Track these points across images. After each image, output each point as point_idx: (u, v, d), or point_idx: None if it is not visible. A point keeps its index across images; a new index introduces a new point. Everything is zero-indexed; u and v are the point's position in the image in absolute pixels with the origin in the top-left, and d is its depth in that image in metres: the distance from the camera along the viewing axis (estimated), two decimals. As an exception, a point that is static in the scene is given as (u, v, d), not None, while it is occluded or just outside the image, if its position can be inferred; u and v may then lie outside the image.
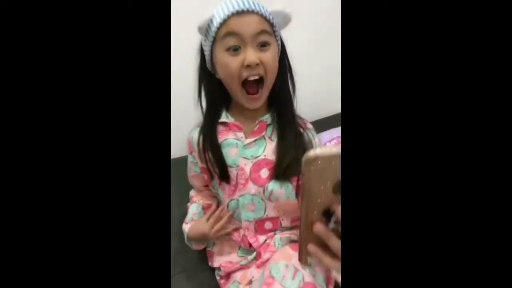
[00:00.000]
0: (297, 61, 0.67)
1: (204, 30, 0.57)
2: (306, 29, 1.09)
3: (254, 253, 0.67)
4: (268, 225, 0.68)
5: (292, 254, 0.58)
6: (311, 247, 0.33)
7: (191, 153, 0.72)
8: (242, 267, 0.68)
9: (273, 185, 0.63)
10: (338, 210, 0.31)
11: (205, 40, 0.59)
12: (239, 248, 0.70)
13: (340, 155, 0.29)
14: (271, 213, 0.67)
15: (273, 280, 0.54)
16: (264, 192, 0.64)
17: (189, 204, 0.78)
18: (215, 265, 0.73)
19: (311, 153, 0.29)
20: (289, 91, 0.65)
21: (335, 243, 0.32)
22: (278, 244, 0.66)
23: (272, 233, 0.68)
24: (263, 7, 0.56)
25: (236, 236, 0.69)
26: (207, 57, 0.60)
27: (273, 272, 0.55)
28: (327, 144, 0.94)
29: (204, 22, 0.55)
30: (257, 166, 0.64)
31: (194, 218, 0.73)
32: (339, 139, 0.98)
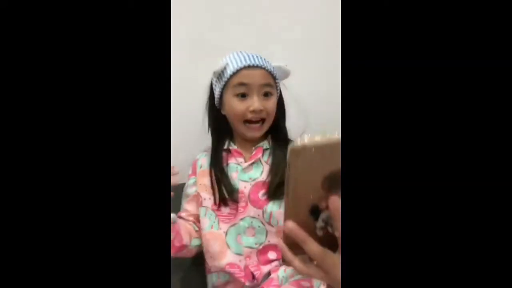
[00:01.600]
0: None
1: (218, 74, 0.69)
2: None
3: None
4: (271, 254, 0.67)
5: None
6: (282, 247, 0.29)
7: (194, 174, 0.76)
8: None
9: (271, 207, 0.66)
10: (334, 207, 0.27)
11: (216, 82, 0.71)
12: (243, 287, 0.66)
13: (332, 144, 0.25)
14: (273, 239, 0.67)
15: None
16: (263, 215, 0.66)
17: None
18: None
19: (299, 142, 0.26)
20: (284, 123, 0.76)
21: (314, 248, 0.27)
22: (282, 277, 0.62)
23: (277, 262, 0.66)
24: (268, 63, 0.69)
25: (238, 271, 0.66)
26: (217, 97, 0.71)
27: None
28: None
29: (220, 68, 0.68)
30: (255, 188, 0.69)
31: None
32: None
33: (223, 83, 0.68)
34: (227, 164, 0.72)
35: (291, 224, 0.28)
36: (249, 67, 0.66)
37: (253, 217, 0.67)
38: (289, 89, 0.78)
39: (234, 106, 0.68)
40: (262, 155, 0.72)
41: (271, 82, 0.69)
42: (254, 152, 0.72)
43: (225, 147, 0.74)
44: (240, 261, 0.67)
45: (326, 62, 0.99)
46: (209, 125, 0.75)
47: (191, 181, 0.76)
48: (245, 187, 0.69)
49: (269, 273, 0.65)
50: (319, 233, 0.28)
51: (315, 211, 0.28)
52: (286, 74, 0.72)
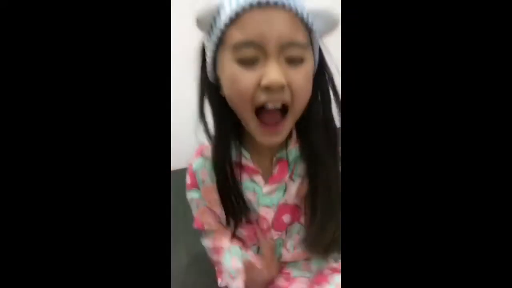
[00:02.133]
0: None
1: (207, 24, 0.38)
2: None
3: None
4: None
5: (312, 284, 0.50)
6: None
7: (196, 186, 0.53)
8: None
9: (293, 230, 0.51)
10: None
11: (207, 40, 0.40)
12: None
13: None
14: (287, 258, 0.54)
15: None
16: (286, 233, 0.51)
17: (205, 245, 0.58)
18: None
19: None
20: (332, 119, 0.44)
21: None
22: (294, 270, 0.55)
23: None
24: (298, 1, 0.36)
25: None
26: (210, 63, 0.41)
27: None
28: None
29: (207, 11, 0.37)
30: (279, 213, 0.50)
31: (239, 271, 0.51)
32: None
33: (216, 39, 0.38)
34: (240, 181, 0.49)
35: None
36: (259, 5, 0.35)
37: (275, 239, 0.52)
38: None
39: (236, 77, 0.37)
40: (287, 172, 0.48)
41: (301, 39, 0.37)
42: (276, 170, 0.48)
43: (233, 157, 0.47)
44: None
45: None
46: (202, 118, 0.46)
47: (195, 194, 0.54)
48: (267, 213, 0.49)
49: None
50: None
51: None
52: (332, 24, 0.39)
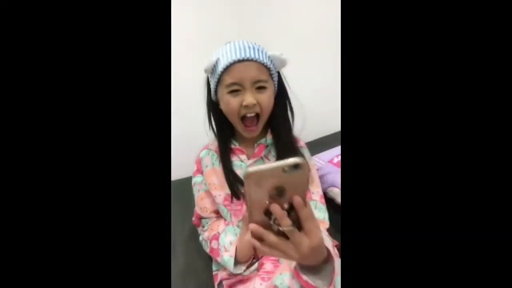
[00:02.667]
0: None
1: (210, 70, 0.67)
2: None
3: (256, 264, 0.67)
4: None
5: None
6: (252, 241, 0.40)
7: (201, 172, 0.78)
8: (244, 279, 0.67)
9: None
10: (275, 211, 0.37)
11: (210, 78, 0.69)
12: None
13: (269, 170, 0.36)
14: None
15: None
16: None
17: (203, 240, 0.77)
18: (217, 280, 0.72)
19: (249, 169, 0.36)
20: (288, 119, 0.73)
21: (271, 238, 0.39)
22: None
23: None
24: (262, 53, 0.64)
25: None
26: (213, 92, 0.70)
27: (276, 282, 0.55)
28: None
29: (210, 64, 0.65)
30: None
31: (232, 243, 0.70)
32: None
33: (216, 79, 0.66)
34: (232, 161, 0.74)
35: (252, 226, 0.39)
36: (240, 61, 0.62)
37: None
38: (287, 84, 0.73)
39: (228, 102, 0.65)
40: (264, 152, 0.74)
41: (264, 77, 0.64)
42: (256, 150, 0.74)
43: (228, 145, 0.74)
44: None
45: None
46: (210, 122, 0.75)
47: (199, 179, 0.78)
48: None
49: None
50: (274, 228, 0.39)
51: (267, 213, 0.38)
52: (282, 63, 0.68)
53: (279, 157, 0.71)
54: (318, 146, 1.10)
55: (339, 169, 0.93)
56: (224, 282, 0.70)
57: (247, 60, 0.62)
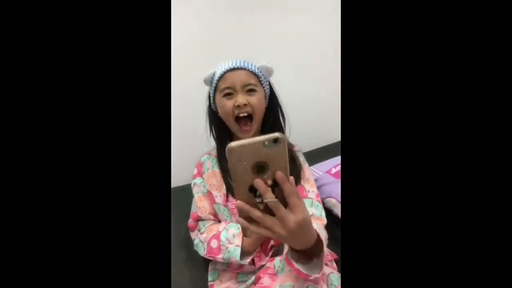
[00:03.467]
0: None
1: (208, 81, 0.78)
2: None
3: (253, 277, 0.66)
4: (271, 241, 0.73)
5: (297, 277, 0.57)
6: (238, 219, 0.41)
7: (201, 175, 0.83)
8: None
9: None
10: (258, 185, 0.38)
11: (210, 89, 0.79)
12: (238, 274, 0.71)
13: (255, 143, 0.37)
14: None
15: None
16: None
17: (199, 243, 0.77)
18: None
19: (231, 144, 0.37)
20: (280, 123, 0.82)
21: (256, 214, 0.39)
22: (278, 266, 0.65)
23: (272, 254, 0.72)
24: (251, 64, 0.76)
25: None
26: (211, 100, 0.79)
27: None
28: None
29: (209, 76, 0.77)
30: None
31: (236, 235, 0.72)
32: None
33: (213, 88, 0.77)
34: None
35: (239, 203, 0.40)
36: (232, 69, 0.74)
37: None
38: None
39: (223, 104, 0.75)
40: None
41: (253, 81, 0.75)
42: None
43: None
44: None
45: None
46: (211, 130, 0.83)
47: (198, 181, 0.83)
48: None
49: (265, 265, 0.67)
50: (260, 206, 0.40)
51: (252, 190, 0.39)
52: (269, 71, 0.79)
53: None
54: (315, 156, 1.10)
55: (337, 180, 0.92)
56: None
57: (238, 68, 0.74)
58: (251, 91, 0.75)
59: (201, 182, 0.82)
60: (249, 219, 0.40)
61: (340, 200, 0.86)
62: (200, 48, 1.11)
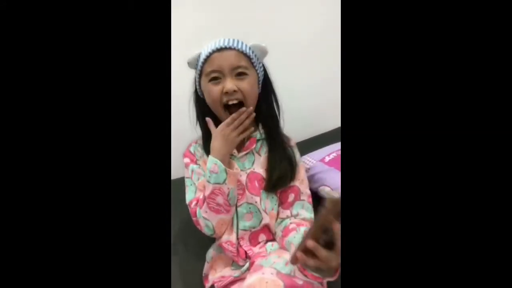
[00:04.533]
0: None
1: (193, 63, 0.68)
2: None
3: (247, 264, 0.66)
4: (261, 237, 0.71)
5: (285, 253, 0.59)
6: (299, 254, 0.45)
7: (195, 162, 0.74)
8: (236, 280, 0.67)
9: (266, 195, 0.70)
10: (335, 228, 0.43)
11: (195, 72, 0.70)
12: (232, 263, 0.71)
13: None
14: (265, 224, 0.70)
15: (261, 266, 0.54)
16: (260, 202, 0.69)
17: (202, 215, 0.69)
18: (209, 284, 0.71)
19: (336, 197, 0.43)
20: (274, 111, 0.74)
21: (322, 253, 0.45)
22: (270, 249, 0.67)
23: (264, 242, 0.71)
24: (241, 43, 0.65)
25: (230, 248, 0.69)
26: (197, 84, 0.71)
27: (262, 262, 0.55)
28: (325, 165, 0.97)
29: (193, 57, 0.67)
30: (251, 177, 0.71)
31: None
32: (338, 152, 0.99)
33: (198, 72, 0.67)
34: None
35: (311, 242, 0.44)
36: (219, 50, 0.63)
37: (250, 203, 0.69)
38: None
39: (210, 91, 0.65)
40: (255, 146, 0.73)
41: (243, 63, 0.64)
42: (248, 143, 0.72)
43: None
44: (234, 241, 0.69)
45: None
46: (198, 118, 0.74)
47: (195, 166, 0.73)
48: (241, 176, 0.69)
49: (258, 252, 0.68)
50: (322, 243, 0.45)
51: (326, 232, 0.45)
52: (263, 52, 0.68)
53: (271, 152, 0.72)
54: (308, 145, 1.09)
55: (331, 168, 0.93)
56: (216, 285, 0.69)
57: (226, 48, 0.64)
58: (241, 74, 0.64)
59: (198, 167, 0.73)
60: (309, 254, 0.45)
61: (333, 188, 0.86)
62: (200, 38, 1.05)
